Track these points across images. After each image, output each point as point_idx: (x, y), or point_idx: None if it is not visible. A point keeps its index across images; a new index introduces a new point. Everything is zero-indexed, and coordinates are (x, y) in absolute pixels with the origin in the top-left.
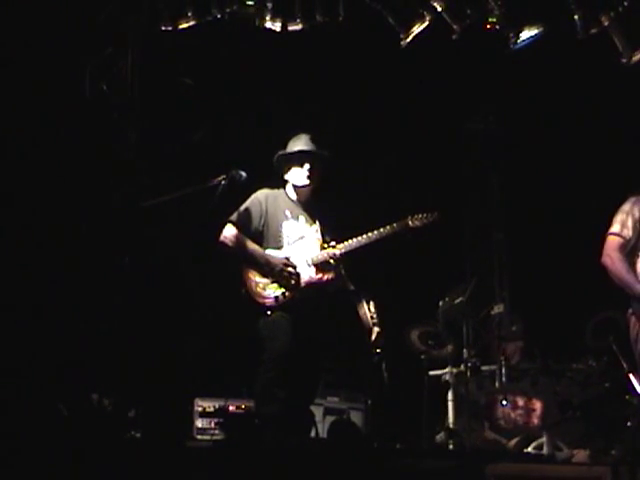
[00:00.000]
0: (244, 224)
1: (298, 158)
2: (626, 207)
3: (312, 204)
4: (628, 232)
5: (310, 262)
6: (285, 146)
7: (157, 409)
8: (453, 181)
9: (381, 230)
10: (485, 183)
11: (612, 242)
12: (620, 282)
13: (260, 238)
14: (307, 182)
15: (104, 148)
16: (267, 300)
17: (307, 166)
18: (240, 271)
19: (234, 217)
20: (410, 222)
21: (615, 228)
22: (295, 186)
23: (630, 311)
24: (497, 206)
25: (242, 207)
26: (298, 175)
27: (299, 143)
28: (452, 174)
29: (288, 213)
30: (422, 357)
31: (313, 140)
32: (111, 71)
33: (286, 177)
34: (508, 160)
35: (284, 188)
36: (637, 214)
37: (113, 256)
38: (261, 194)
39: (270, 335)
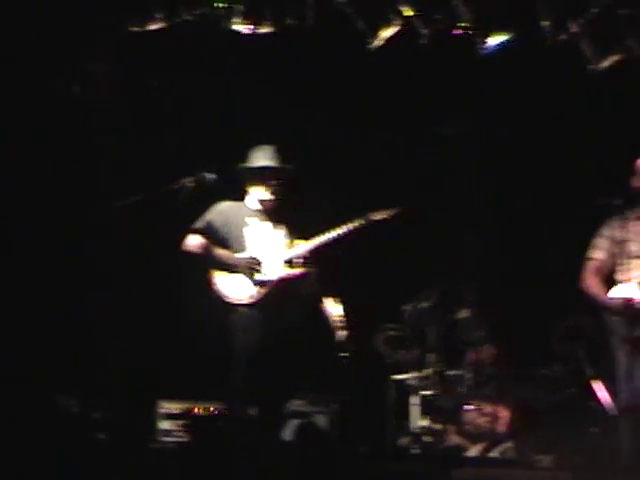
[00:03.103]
0: (207, 232)
1: (261, 174)
2: (600, 230)
3: (277, 211)
4: (600, 254)
5: (279, 260)
6: (248, 157)
7: (122, 411)
8: (423, 184)
9: (346, 225)
10: (455, 187)
11: (586, 266)
12: (591, 299)
13: (224, 245)
14: (271, 197)
15: (77, 149)
16: (237, 298)
17: (271, 183)
18: (209, 271)
19: (196, 225)
20: (374, 216)
21: (589, 253)
22: (259, 200)
23: None
24: (466, 210)
25: (203, 216)
26: (261, 191)
27: (262, 157)
28: (422, 177)
29: (251, 219)
30: (388, 361)
31: (276, 153)
32: (84, 72)
33: (249, 190)
34: (479, 164)
35: (245, 199)
36: (608, 234)
37: (82, 256)
38: (222, 204)
39: (240, 333)
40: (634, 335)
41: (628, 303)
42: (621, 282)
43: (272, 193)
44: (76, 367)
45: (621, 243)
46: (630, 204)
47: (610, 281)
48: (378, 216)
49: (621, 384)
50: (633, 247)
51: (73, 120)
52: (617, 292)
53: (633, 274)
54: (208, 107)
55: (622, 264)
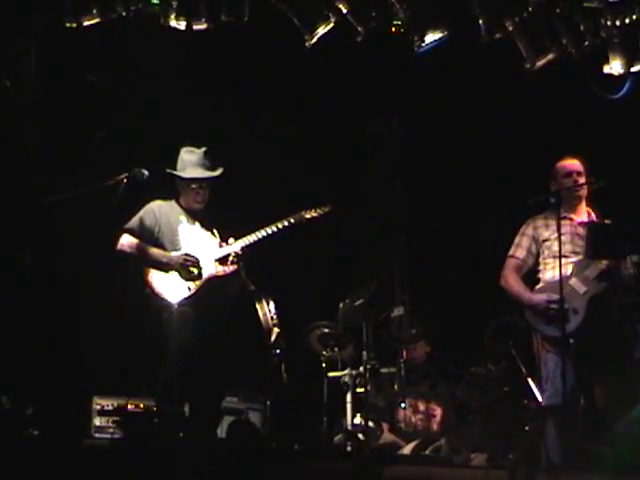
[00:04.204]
0: (140, 231)
1: (192, 184)
2: (522, 229)
3: (206, 212)
4: (522, 252)
5: (211, 258)
6: (178, 160)
7: (55, 407)
8: (356, 184)
9: (278, 224)
10: (388, 186)
11: (507, 263)
12: (513, 296)
13: (157, 245)
14: (201, 206)
15: (6, 144)
16: (170, 296)
17: (201, 192)
18: (142, 270)
19: (129, 225)
20: (305, 214)
21: (511, 250)
22: (188, 204)
23: None
24: (400, 209)
25: (136, 216)
26: (191, 199)
27: (192, 164)
28: (355, 177)
29: (182, 218)
30: (322, 358)
31: (206, 158)
32: (15, 68)
33: (180, 190)
34: (411, 164)
35: (177, 198)
36: (531, 233)
37: (14, 253)
38: (154, 204)
39: (174, 330)
40: (564, 334)
41: (550, 303)
42: (543, 281)
43: (202, 201)
44: (9, 363)
45: (544, 242)
46: (558, 204)
47: (530, 280)
48: (309, 214)
49: (545, 383)
50: (557, 247)
51: (3, 115)
52: (540, 291)
53: (556, 273)
54: (141, 103)
55: (546, 263)
